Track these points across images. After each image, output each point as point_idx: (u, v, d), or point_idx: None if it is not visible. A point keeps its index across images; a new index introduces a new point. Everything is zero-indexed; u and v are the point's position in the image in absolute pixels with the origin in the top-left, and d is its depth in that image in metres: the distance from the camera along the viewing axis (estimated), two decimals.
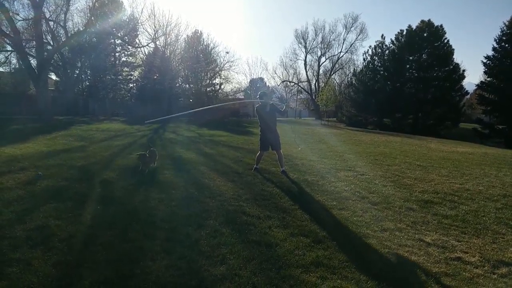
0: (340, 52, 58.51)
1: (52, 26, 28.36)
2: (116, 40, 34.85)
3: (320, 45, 58.95)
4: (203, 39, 38.72)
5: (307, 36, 59.00)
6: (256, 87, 57.70)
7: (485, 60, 33.35)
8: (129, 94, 38.14)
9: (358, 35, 57.55)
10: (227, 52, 45.15)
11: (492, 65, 33.06)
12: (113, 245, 3.60)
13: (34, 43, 23.92)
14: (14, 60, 34.59)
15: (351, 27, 57.42)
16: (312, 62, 60.53)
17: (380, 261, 3.67)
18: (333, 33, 62.54)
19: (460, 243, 4.26)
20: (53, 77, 34.86)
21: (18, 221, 4.06)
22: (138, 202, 5.06)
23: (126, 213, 4.55)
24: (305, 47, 59.24)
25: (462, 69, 36.92)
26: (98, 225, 4.13)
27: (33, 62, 24.77)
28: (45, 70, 22.68)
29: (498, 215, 5.44)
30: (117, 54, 37.49)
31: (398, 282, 3.25)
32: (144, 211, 4.69)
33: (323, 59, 59.73)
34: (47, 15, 26.83)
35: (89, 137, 12.57)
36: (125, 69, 37.87)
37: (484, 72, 34.37)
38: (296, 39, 60.73)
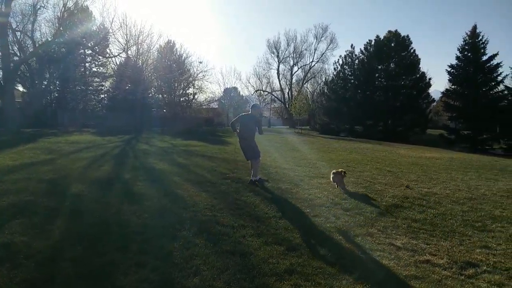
0: (312, 62, 59.62)
1: (19, 37, 27.59)
2: (86, 50, 34.13)
3: (292, 55, 59.92)
4: (176, 49, 38.65)
5: (279, 46, 59.88)
6: (230, 97, 57.86)
7: (449, 69, 34.74)
8: (100, 105, 37.29)
9: (329, 45, 58.85)
10: (200, 62, 45.22)
11: (456, 73, 34.45)
12: (83, 260, 3.51)
13: (0, 54, 23.17)
14: None
15: (321, 37, 58.70)
16: (285, 72, 61.42)
17: (353, 266, 3.73)
18: (304, 43, 63.76)
19: (429, 246, 4.39)
20: (20, 88, 33.72)
21: None
22: (110, 215, 4.96)
23: (97, 226, 4.44)
24: (277, 56, 60.08)
25: (428, 77, 38.42)
26: (67, 239, 4.02)
27: None
28: (11, 82, 22.03)
29: (465, 217, 5.66)
30: (87, 64, 36.67)
31: (371, 286, 3.31)
32: (116, 223, 4.60)
33: (295, 68, 60.73)
34: (14, 25, 26.14)
35: (58, 149, 12.20)
36: (96, 79, 37.06)
37: (449, 80, 35.84)
38: (269, 49, 61.44)
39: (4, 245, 3.75)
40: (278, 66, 60.57)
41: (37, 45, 27.48)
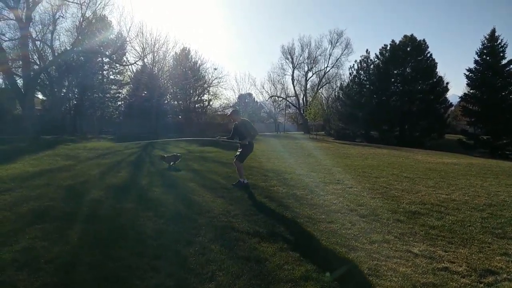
0: (326, 67, 59.43)
1: (38, 46, 28.33)
2: (104, 59, 34.85)
3: (306, 61, 59.84)
4: (191, 56, 39.19)
5: (294, 52, 59.89)
6: (245, 103, 58.15)
7: (467, 73, 34.12)
8: (117, 112, 38.01)
9: (344, 50, 58.58)
10: (215, 69, 45.68)
11: (474, 77, 33.79)
12: (101, 265, 3.56)
13: (21, 62, 23.82)
14: (0, 80, 34.32)
15: (336, 43, 58.48)
16: (300, 77, 61.32)
17: (369, 273, 3.69)
18: (319, 48, 63.80)
19: (447, 253, 4.31)
20: (40, 96, 34.57)
21: (3, 243, 3.99)
22: (126, 220, 5.02)
23: (114, 232, 4.51)
24: (292, 62, 60.07)
25: (445, 81, 37.71)
26: (85, 244, 4.09)
27: (20, 81, 24.61)
28: (32, 90, 22.59)
29: (484, 224, 5.53)
30: (104, 72, 37.45)
31: None
32: (132, 229, 4.66)
33: (310, 74, 60.60)
34: (34, 35, 26.85)
35: (76, 156, 12.45)
36: (113, 87, 37.82)
37: (467, 84, 35.13)
38: (283, 55, 61.48)
39: (25, 250, 3.83)
40: (293, 72, 60.58)
41: (56, 54, 28.16)
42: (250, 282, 3.34)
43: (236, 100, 58.45)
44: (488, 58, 33.00)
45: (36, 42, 27.31)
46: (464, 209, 6.43)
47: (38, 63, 28.59)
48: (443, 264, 3.98)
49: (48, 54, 30.16)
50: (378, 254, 4.19)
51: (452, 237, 4.92)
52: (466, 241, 4.78)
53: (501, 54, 32.47)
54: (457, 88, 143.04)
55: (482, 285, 3.53)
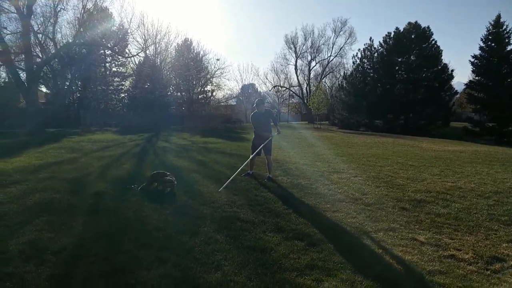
0: (329, 56, 58.73)
1: (40, 39, 28.34)
2: (106, 51, 34.78)
3: (310, 50, 59.07)
4: (194, 47, 39.00)
5: (297, 41, 59.16)
6: (248, 93, 57.96)
7: (472, 60, 33.73)
8: (120, 104, 38.04)
9: (347, 39, 57.77)
10: (217, 59, 45.62)
11: (479, 64, 33.42)
12: (107, 256, 3.57)
13: (23, 56, 23.80)
14: (3, 74, 34.37)
15: (340, 31, 57.69)
16: (303, 67, 60.67)
17: (375, 261, 3.68)
18: (322, 37, 63.03)
19: (453, 241, 4.29)
20: (43, 89, 34.70)
21: (10, 235, 4.01)
22: (132, 212, 5.04)
23: (120, 224, 4.53)
24: (295, 52, 59.38)
25: (450, 69, 37.28)
26: (91, 236, 4.10)
27: (23, 75, 24.62)
28: (35, 83, 22.60)
29: (490, 211, 5.50)
30: (107, 64, 37.44)
31: (393, 281, 3.26)
32: (137, 220, 4.67)
33: (313, 63, 59.92)
34: (35, 28, 26.85)
35: (81, 148, 12.49)
36: (116, 79, 37.82)
37: (472, 71, 34.70)
38: (286, 44, 60.74)
39: (31, 242, 3.85)
40: (296, 62, 59.91)
41: (58, 47, 28.13)
42: (255, 271, 3.34)
43: (239, 91, 58.26)
44: (493, 44, 32.60)
45: (38, 35, 27.33)
46: (470, 196, 6.39)
47: (41, 56, 28.61)
48: (449, 251, 3.97)
49: (50, 47, 30.21)
50: (384, 243, 4.18)
51: (458, 224, 4.90)
52: (472, 228, 4.76)
53: (506, 40, 32.05)
54: (462, 76, 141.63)
55: (488, 272, 3.52)
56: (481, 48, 33.32)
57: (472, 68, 34.16)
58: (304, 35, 60.82)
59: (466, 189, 6.91)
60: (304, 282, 3.18)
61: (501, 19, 32.27)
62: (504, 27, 32.11)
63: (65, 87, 33.13)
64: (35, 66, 22.76)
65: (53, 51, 28.39)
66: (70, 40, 28.47)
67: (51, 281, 3.09)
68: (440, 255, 3.87)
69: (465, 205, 5.85)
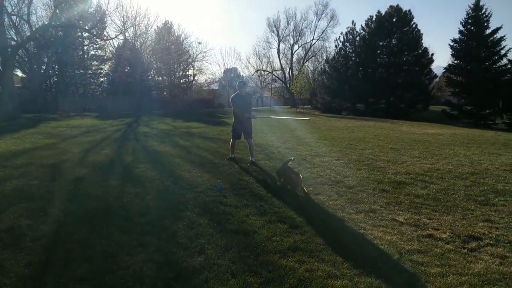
0: (312, 40, 58.40)
1: (15, 21, 27.14)
2: (83, 33, 33.66)
3: (292, 33, 58.63)
4: (174, 30, 38.09)
5: (279, 24, 58.56)
6: (230, 77, 57.39)
7: (452, 43, 34.21)
8: (100, 89, 37.08)
9: (329, 22, 57.71)
10: (199, 43, 45.01)
11: (458, 48, 33.90)
12: (88, 242, 3.54)
13: None
14: None
15: (322, 14, 57.32)
16: (285, 51, 60.23)
17: (356, 242, 3.75)
18: (305, 20, 63.05)
19: (431, 221, 4.41)
20: (19, 73, 33.49)
21: None
22: (113, 198, 4.98)
23: (101, 209, 4.47)
24: (277, 35, 58.82)
25: (430, 53, 37.80)
26: (72, 222, 4.04)
27: None
28: (10, 67, 21.78)
29: (467, 192, 5.66)
30: (85, 47, 36.19)
31: (373, 261, 3.33)
32: (119, 206, 4.62)
33: (296, 47, 59.53)
34: (9, 9, 25.68)
35: (59, 134, 12.20)
36: (94, 63, 36.64)
37: (452, 55, 35.19)
38: (269, 28, 60.26)
39: (9, 229, 3.78)
40: (279, 45, 59.44)
41: (33, 29, 27.08)
42: (239, 254, 3.36)
43: (222, 75, 57.60)
44: (472, 28, 33.04)
45: (12, 16, 26.15)
46: (448, 178, 6.55)
47: (15, 38, 27.50)
48: (427, 231, 4.07)
49: (25, 30, 29.01)
50: (364, 224, 4.25)
51: (436, 205, 5.03)
52: (450, 208, 4.89)
53: (485, 24, 32.52)
54: (441, 60, 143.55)
55: (465, 250, 3.63)
56: (460, 31, 33.75)
57: (452, 51, 34.67)
58: (287, 18, 60.30)
59: (444, 171, 7.08)
60: (287, 264, 3.22)
61: (480, 3, 32.65)
62: (484, 10, 32.54)
63: (42, 71, 32.09)
64: (9, 49, 21.86)
65: (28, 34, 27.28)
66: (46, 22, 27.43)
67: (30, 267, 3.04)
68: (419, 235, 3.97)
69: (443, 186, 6.00)
